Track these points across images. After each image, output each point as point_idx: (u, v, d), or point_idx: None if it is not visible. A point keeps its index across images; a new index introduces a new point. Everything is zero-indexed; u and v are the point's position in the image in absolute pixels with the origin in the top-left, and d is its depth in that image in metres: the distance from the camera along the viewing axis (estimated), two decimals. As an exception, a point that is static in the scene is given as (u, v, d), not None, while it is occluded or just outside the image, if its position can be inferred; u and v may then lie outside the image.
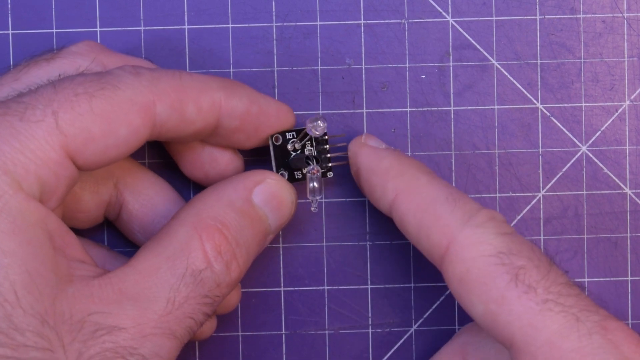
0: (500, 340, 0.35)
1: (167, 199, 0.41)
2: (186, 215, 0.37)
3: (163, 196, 0.41)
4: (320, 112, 0.44)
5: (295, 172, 0.41)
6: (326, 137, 0.42)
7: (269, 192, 0.39)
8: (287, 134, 0.41)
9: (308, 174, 0.41)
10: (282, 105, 0.40)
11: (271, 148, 0.41)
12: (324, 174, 0.42)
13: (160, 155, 0.43)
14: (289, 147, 0.41)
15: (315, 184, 0.41)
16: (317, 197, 0.41)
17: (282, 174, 0.41)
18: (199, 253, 0.36)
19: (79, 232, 0.40)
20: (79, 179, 0.36)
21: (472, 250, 0.36)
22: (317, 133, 0.40)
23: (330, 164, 0.42)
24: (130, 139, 0.36)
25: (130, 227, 0.41)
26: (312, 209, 0.41)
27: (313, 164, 0.41)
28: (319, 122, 0.40)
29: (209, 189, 0.39)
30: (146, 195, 0.41)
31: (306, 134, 0.41)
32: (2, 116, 0.34)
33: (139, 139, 0.36)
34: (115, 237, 0.43)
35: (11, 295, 0.32)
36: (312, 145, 0.42)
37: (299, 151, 0.41)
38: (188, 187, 0.43)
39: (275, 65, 0.43)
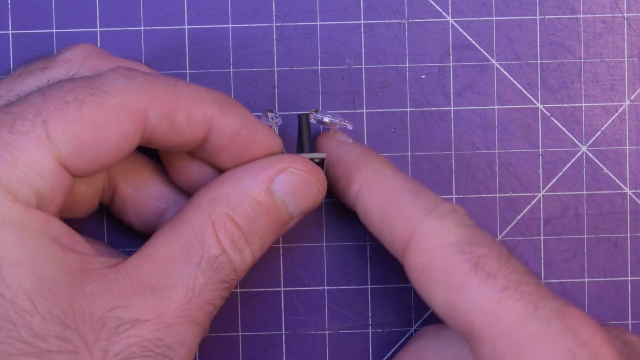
0: (459, 330, 0.36)
1: (158, 180, 0.41)
2: (201, 201, 0.37)
3: (155, 178, 0.41)
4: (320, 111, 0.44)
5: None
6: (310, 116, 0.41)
7: (291, 181, 0.38)
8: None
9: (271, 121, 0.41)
10: (272, 136, 0.39)
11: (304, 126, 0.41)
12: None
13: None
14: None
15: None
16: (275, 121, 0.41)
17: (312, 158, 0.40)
18: (213, 241, 0.36)
19: (77, 225, 0.40)
20: (75, 185, 0.36)
21: (434, 240, 0.36)
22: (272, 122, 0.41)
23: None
24: (122, 145, 0.35)
25: (124, 210, 0.41)
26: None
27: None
28: (268, 114, 0.41)
29: (228, 174, 0.38)
30: (138, 179, 0.41)
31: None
32: None
33: (131, 145, 0.36)
34: (114, 235, 0.43)
35: (27, 303, 0.32)
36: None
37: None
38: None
39: (275, 65, 0.43)
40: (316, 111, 0.41)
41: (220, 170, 0.39)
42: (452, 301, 0.35)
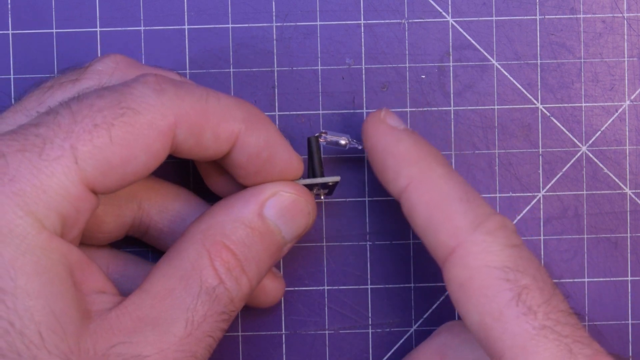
0: (488, 352, 0.35)
1: (194, 209, 0.41)
2: (195, 232, 0.37)
3: (190, 208, 0.41)
4: (320, 112, 0.44)
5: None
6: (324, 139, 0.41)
7: (282, 205, 0.38)
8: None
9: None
10: (293, 160, 0.39)
11: (313, 149, 0.40)
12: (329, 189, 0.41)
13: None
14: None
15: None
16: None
17: (309, 184, 0.40)
18: (209, 270, 0.36)
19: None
20: (101, 202, 0.36)
21: (478, 258, 0.36)
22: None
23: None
24: (150, 162, 0.35)
25: (163, 242, 0.41)
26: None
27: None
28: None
29: (220, 203, 0.38)
30: (173, 211, 0.41)
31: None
32: (21, 152, 0.33)
33: (158, 161, 0.36)
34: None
35: (36, 337, 0.32)
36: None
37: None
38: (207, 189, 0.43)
39: (275, 65, 0.43)
40: (325, 132, 0.41)
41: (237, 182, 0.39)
42: (487, 325, 0.35)
